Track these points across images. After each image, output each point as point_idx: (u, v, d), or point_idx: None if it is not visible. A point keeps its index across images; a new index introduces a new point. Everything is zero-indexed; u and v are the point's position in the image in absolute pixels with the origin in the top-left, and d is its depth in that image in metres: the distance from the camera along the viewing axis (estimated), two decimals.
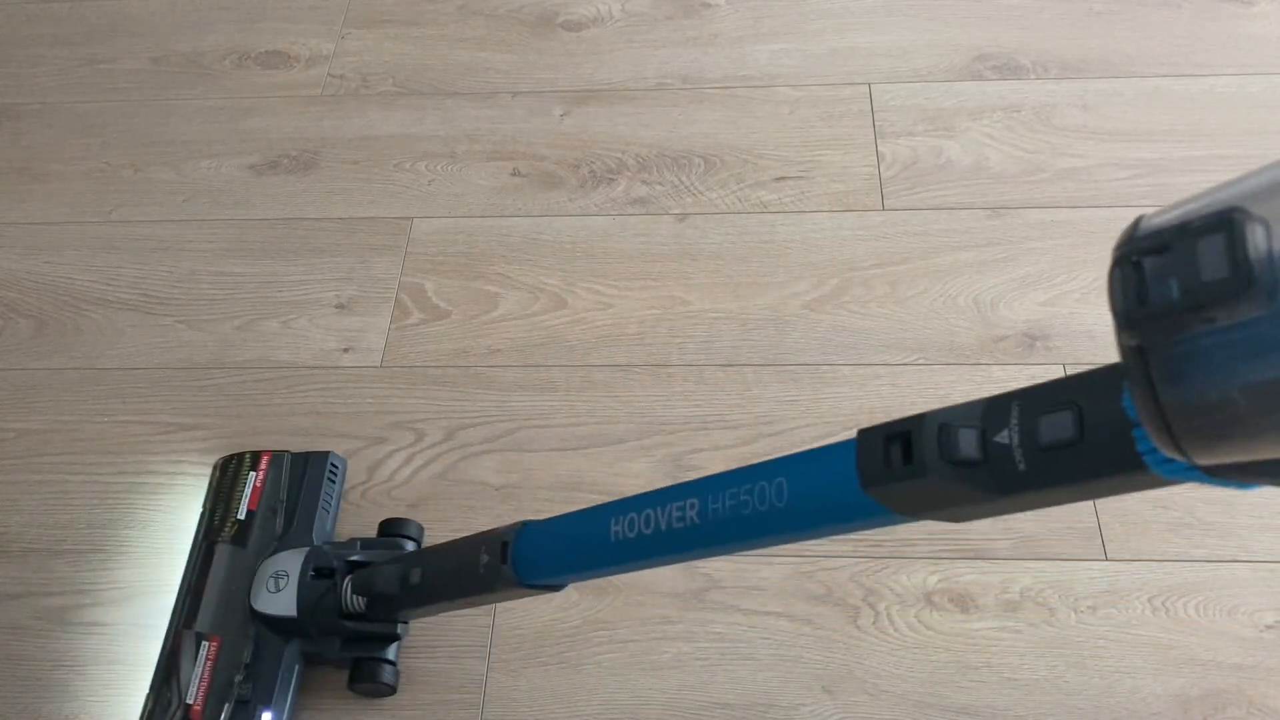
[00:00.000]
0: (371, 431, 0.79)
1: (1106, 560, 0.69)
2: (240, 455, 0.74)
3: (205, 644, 0.65)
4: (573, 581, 0.58)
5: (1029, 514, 0.71)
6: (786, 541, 0.45)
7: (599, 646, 0.68)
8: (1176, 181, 0.89)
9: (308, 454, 0.73)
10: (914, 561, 0.70)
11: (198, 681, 0.63)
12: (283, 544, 0.68)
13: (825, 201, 0.90)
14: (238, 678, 0.63)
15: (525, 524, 0.54)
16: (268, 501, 0.71)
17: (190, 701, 0.62)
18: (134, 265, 0.91)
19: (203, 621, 0.66)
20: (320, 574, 0.64)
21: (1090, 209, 0.87)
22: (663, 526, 0.47)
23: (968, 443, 0.37)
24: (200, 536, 0.71)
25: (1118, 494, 0.36)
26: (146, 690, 0.65)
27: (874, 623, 0.68)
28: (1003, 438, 0.36)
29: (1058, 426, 0.35)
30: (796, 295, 0.84)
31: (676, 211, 0.91)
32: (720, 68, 1.02)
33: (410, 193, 0.94)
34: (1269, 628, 0.66)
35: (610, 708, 0.66)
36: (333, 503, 0.72)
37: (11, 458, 0.80)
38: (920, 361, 0.80)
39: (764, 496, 0.43)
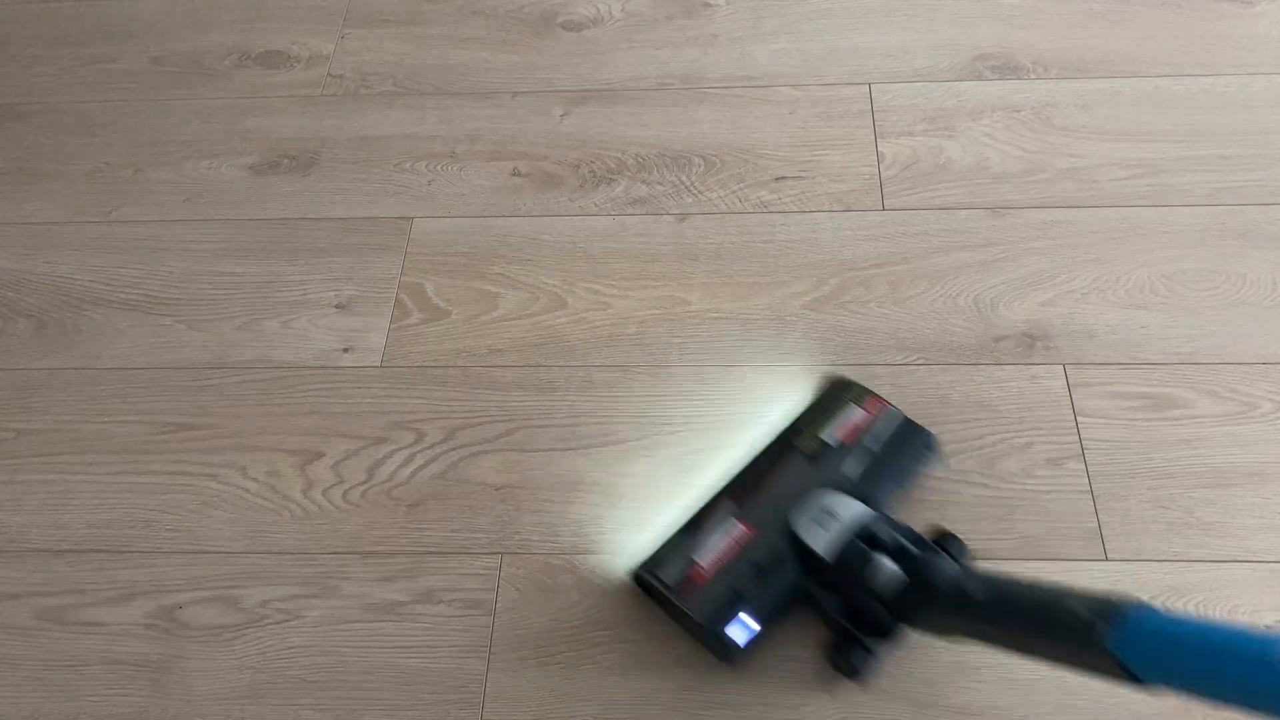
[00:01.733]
0: (371, 431, 0.79)
1: (1106, 560, 0.69)
2: (853, 384, 0.75)
3: (738, 526, 0.67)
4: (1169, 690, 0.48)
5: (1030, 514, 0.72)
6: None
7: (599, 646, 0.68)
8: (1176, 181, 0.89)
9: (913, 423, 0.72)
10: None
11: (714, 551, 0.65)
12: (847, 489, 0.68)
13: (825, 201, 0.90)
14: (745, 571, 0.64)
15: (1144, 605, 0.48)
16: (859, 442, 0.71)
17: (699, 560, 0.65)
18: (134, 265, 0.91)
19: (747, 506, 0.68)
20: (868, 539, 0.62)
21: (1090, 209, 0.87)
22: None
23: None
24: (784, 434, 0.72)
25: None
26: (669, 528, 0.68)
27: None
28: None
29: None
30: (796, 295, 0.84)
31: (676, 211, 0.91)
32: (720, 68, 1.02)
33: (410, 193, 0.94)
34: (1269, 628, 0.66)
35: (610, 708, 0.66)
36: (907, 481, 0.72)
37: (11, 458, 0.80)
38: (920, 361, 0.80)
39: None
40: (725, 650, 0.64)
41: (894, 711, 0.64)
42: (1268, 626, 0.66)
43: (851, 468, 0.69)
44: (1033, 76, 0.98)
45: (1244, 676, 0.43)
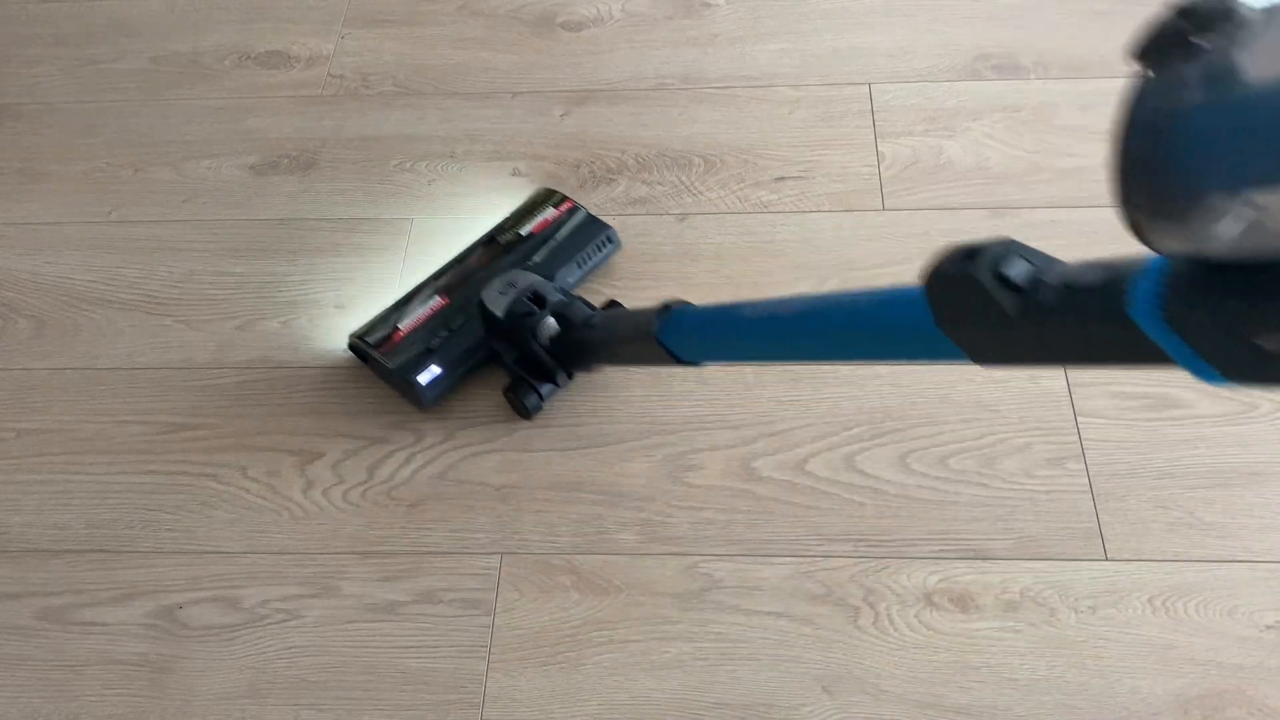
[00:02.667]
0: (371, 431, 0.79)
1: (1106, 560, 0.69)
2: (554, 191, 0.89)
3: (436, 298, 0.81)
4: (704, 360, 0.65)
5: (1029, 514, 0.72)
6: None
7: (599, 646, 0.68)
8: None
9: (596, 219, 0.86)
10: (914, 561, 0.70)
11: (412, 318, 0.80)
12: (532, 268, 0.81)
13: (825, 201, 0.90)
14: (440, 333, 0.79)
15: (685, 303, 0.65)
16: (546, 233, 0.85)
17: (400, 327, 0.79)
18: (134, 265, 0.91)
19: (446, 285, 0.82)
20: (536, 300, 0.76)
21: (1090, 209, 0.87)
22: (782, 314, 0.55)
23: (1019, 270, 0.42)
24: (491, 230, 0.87)
25: (1113, 361, 0.40)
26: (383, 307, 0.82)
27: (874, 623, 0.68)
28: (1047, 276, 0.41)
29: (1087, 274, 0.40)
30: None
31: (676, 211, 0.91)
32: (720, 68, 1.02)
33: (410, 193, 0.94)
34: (1269, 628, 0.66)
35: (610, 708, 0.66)
36: (587, 262, 0.84)
37: (11, 458, 0.80)
38: (920, 361, 0.80)
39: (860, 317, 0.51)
40: (414, 392, 0.77)
41: (894, 711, 0.65)
42: (1266, 628, 0.66)
43: (539, 253, 0.84)
44: (1033, 76, 0.98)
45: (735, 337, 0.61)
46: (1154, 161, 0.32)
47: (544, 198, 0.88)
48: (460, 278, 0.83)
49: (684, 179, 0.93)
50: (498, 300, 0.76)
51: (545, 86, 1.02)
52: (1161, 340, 0.37)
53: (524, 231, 0.85)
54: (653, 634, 0.69)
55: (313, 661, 0.69)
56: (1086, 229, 0.86)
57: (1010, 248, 0.43)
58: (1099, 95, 0.96)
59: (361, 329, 0.80)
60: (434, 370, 0.77)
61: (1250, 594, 0.67)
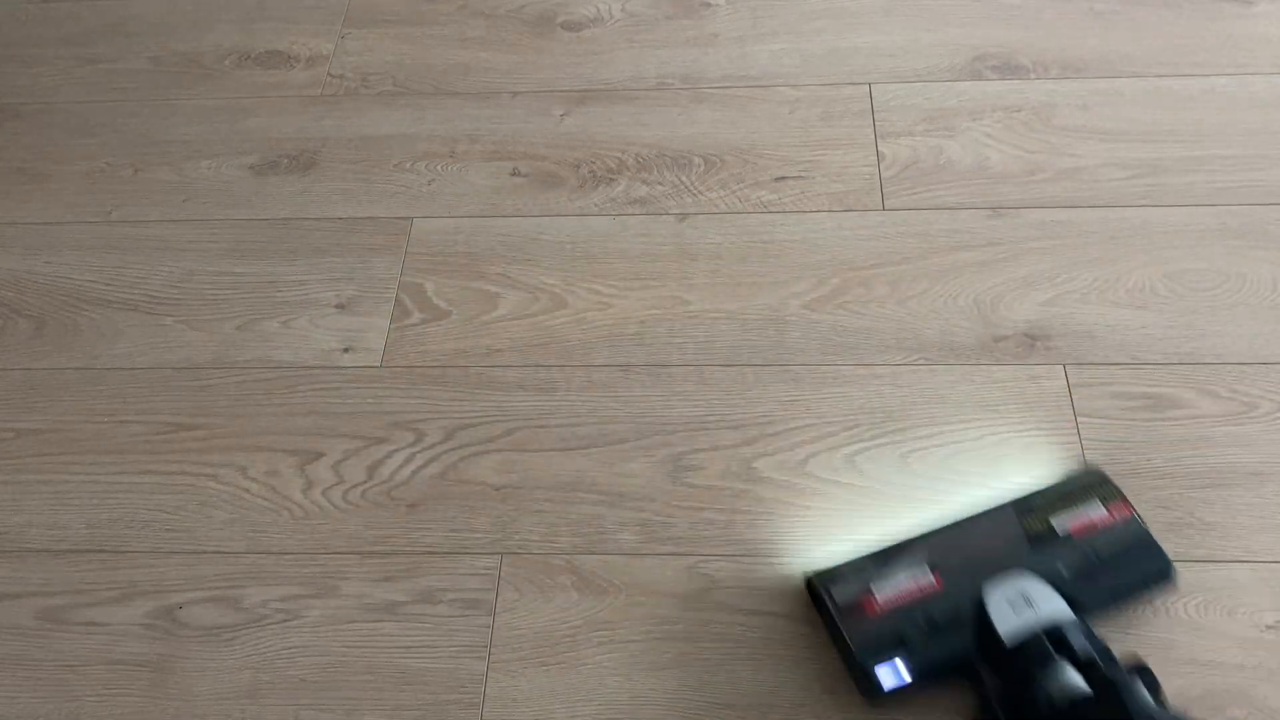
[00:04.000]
0: (371, 431, 0.79)
1: None
2: (1107, 480, 0.69)
3: (928, 574, 0.64)
4: None
5: None
6: None
7: (599, 646, 0.68)
8: (1176, 181, 0.89)
9: (1154, 542, 0.66)
10: None
11: (894, 589, 0.64)
12: (1058, 586, 0.63)
13: (825, 201, 0.90)
14: (919, 620, 0.62)
15: None
16: (1087, 541, 0.66)
17: (875, 592, 0.64)
18: (134, 265, 0.91)
19: (946, 559, 0.65)
20: (1056, 640, 0.59)
21: (1090, 209, 0.87)
22: None
23: None
24: (1014, 505, 0.68)
25: None
26: (860, 553, 0.67)
27: None
28: None
29: None
30: (796, 295, 0.84)
31: (676, 211, 0.91)
32: (720, 68, 1.02)
33: (410, 193, 0.94)
34: (1269, 628, 0.66)
35: (610, 708, 0.66)
36: (1127, 599, 0.66)
37: (11, 458, 0.80)
38: (920, 361, 0.80)
39: None
40: (869, 687, 0.62)
41: (894, 712, 0.64)
42: (1266, 628, 0.66)
43: (1069, 563, 0.64)
44: (1033, 76, 0.98)
45: None
46: None
47: (1093, 485, 0.69)
48: (960, 553, 0.65)
49: (684, 179, 0.93)
50: (1005, 616, 0.61)
51: (545, 86, 1.02)
52: None
53: (1058, 526, 0.66)
54: (653, 634, 0.69)
55: (313, 661, 0.69)
56: (1087, 229, 0.86)
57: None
58: (1099, 95, 0.96)
59: (830, 571, 0.66)
60: (900, 671, 0.61)
61: (1250, 594, 0.67)
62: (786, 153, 0.94)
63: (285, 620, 0.71)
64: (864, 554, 0.66)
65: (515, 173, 0.95)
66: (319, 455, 0.78)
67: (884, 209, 0.89)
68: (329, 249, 0.91)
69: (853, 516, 0.72)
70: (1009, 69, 0.99)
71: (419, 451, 0.78)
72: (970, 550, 0.66)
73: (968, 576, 0.64)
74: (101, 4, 1.15)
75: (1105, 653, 0.59)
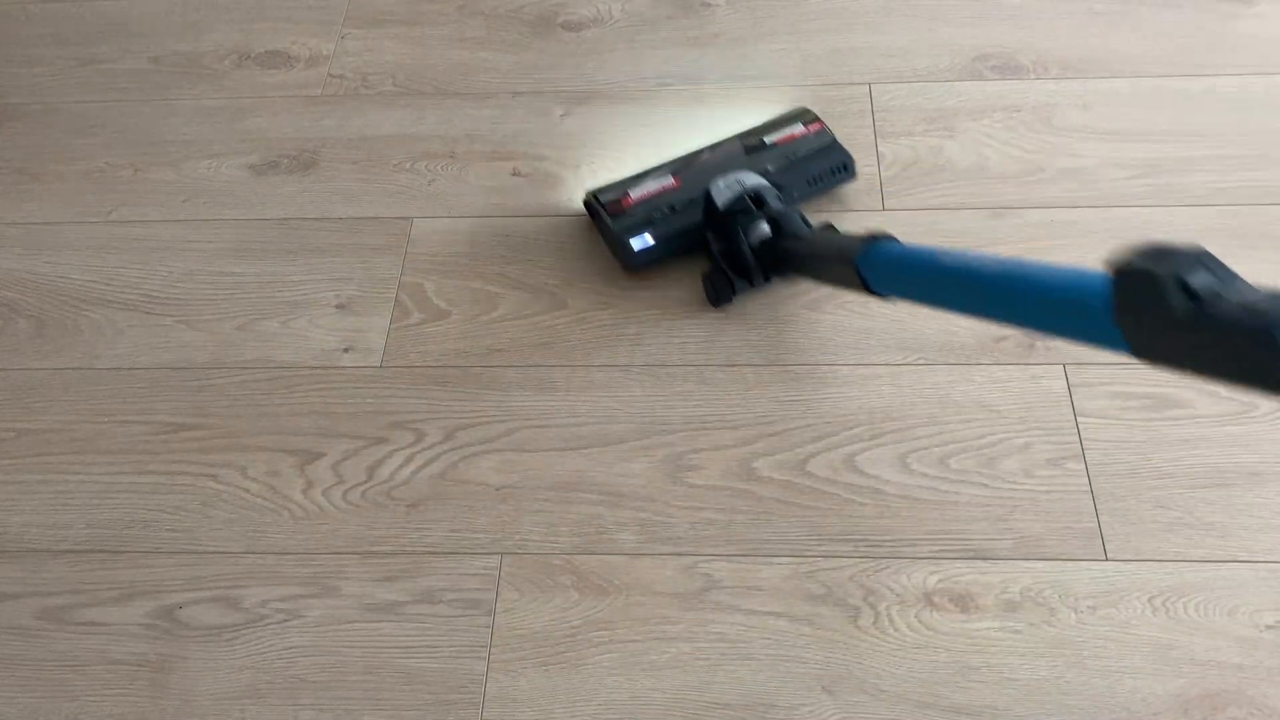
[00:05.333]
0: (371, 431, 0.79)
1: (1106, 560, 0.69)
2: (808, 110, 0.92)
3: (669, 178, 0.87)
4: (893, 295, 0.67)
5: (1029, 514, 0.72)
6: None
7: (599, 646, 0.68)
8: (1176, 181, 0.89)
9: (840, 145, 0.90)
10: (914, 561, 0.70)
11: (643, 192, 0.86)
12: (765, 175, 0.85)
13: (825, 201, 0.90)
14: (663, 209, 0.85)
15: (892, 238, 0.67)
16: (788, 147, 0.89)
17: (631, 195, 0.86)
18: (134, 265, 0.91)
19: (686, 169, 0.88)
20: (756, 200, 0.80)
21: (1090, 209, 0.87)
22: (974, 268, 0.58)
23: (1201, 279, 0.46)
24: (739, 133, 0.91)
25: (1272, 389, 0.44)
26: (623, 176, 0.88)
27: (874, 623, 0.68)
28: (1226, 292, 0.46)
29: (1267, 303, 0.45)
30: (796, 295, 0.84)
31: None
32: (720, 68, 1.02)
33: (410, 193, 0.94)
34: (1269, 628, 0.66)
35: (610, 708, 0.66)
36: (818, 184, 0.88)
37: (11, 458, 0.80)
38: (920, 361, 0.80)
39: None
40: (626, 255, 0.83)
41: (894, 711, 0.65)
42: (1266, 628, 0.66)
43: (773, 161, 0.88)
44: (1033, 76, 0.98)
45: (927, 281, 0.63)
46: None
47: (796, 115, 0.92)
48: (696, 166, 0.88)
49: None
50: (722, 193, 0.81)
51: (545, 86, 1.02)
52: None
53: (768, 140, 0.89)
54: (653, 634, 0.69)
55: (312, 661, 0.69)
56: (1087, 229, 0.86)
57: (1200, 258, 0.46)
58: (1099, 95, 0.96)
59: (598, 188, 0.88)
60: (647, 239, 0.83)
61: (1250, 594, 0.67)
62: None
63: (285, 620, 0.71)
64: (626, 177, 0.88)
65: (515, 173, 0.95)
66: (319, 455, 0.78)
67: (884, 209, 0.89)
68: (329, 249, 0.91)
69: (852, 517, 0.72)
70: (1009, 69, 0.99)
71: (419, 451, 0.78)
72: (702, 163, 0.89)
73: (699, 176, 0.86)
74: (101, 4, 1.15)
75: (794, 210, 0.81)
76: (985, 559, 0.70)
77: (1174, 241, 0.45)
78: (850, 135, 0.95)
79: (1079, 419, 0.76)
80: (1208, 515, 0.71)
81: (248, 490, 0.77)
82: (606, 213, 0.85)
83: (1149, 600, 0.67)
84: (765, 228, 0.79)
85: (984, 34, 1.02)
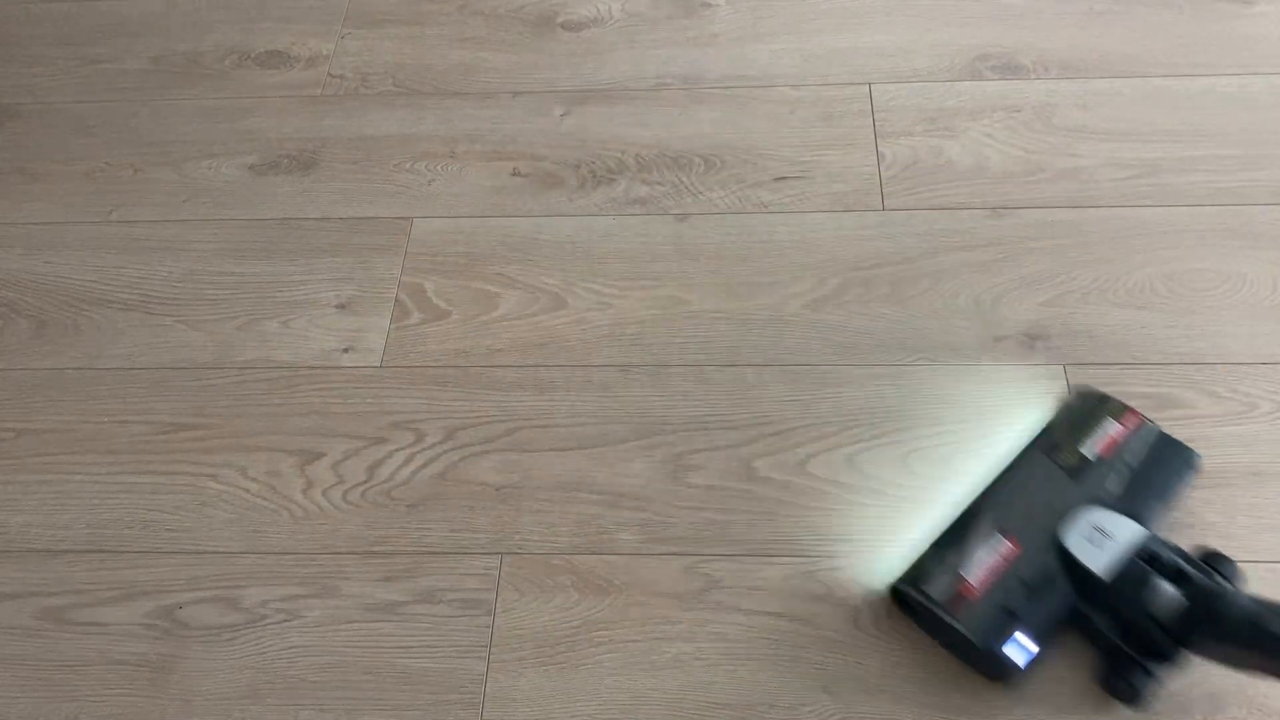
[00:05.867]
0: (371, 431, 0.79)
1: None
2: (1107, 398, 0.72)
3: (1002, 540, 0.64)
4: None
5: None
6: None
7: (599, 646, 0.68)
8: (1176, 181, 0.89)
9: (1171, 439, 0.70)
10: None
11: (982, 567, 0.63)
12: (1111, 506, 0.65)
13: (825, 201, 0.90)
14: (1016, 589, 0.62)
15: None
16: (1119, 457, 0.68)
17: (966, 577, 0.63)
18: (134, 265, 0.91)
19: (1008, 520, 0.65)
20: (1148, 559, 0.61)
21: (1090, 209, 0.87)
22: None
23: None
24: (1035, 446, 0.70)
25: None
26: (930, 543, 0.66)
27: (874, 623, 0.68)
28: None
29: None
30: (796, 295, 0.84)
31: (676, 211, 0.91)
32: (720, 68, 1.02)
33: (410, 193, 0.94)
34: None
35: (610, 708, 0.66)
36: (1171, 497, 0.69)
37: (11, 458, 0.80)
38: (920, 361, 0.80)
39: None
40: (1004, 671, 0.62)
41: (894, 711, 0.64)
42: None
43: (1114, 484, 0.66)
44: (1033, 76, 0.98)
45: None
46: None
47: (1099, 406, 0.72)
48: (1017, 508, 0.66)
49: (684, 179, 0.93)
50: (1093, 554, 0.62)
51: (545, 86, 1.02)
52: None
53: (1088, 452, 0.68)
54: (653, 634, 0.69)
55: (313, 661, 0.69)
56: (1087, 229, 0.86)
57: None
58: (1099, 95, 0.96)
59: (915, 573, 0.65)
60: (1024, 645, 0.61)
61: None
62: (786, 153, 0.94)
63: (285, 620, 0.71)
64: (930, 545, 0.66)
65: (515, 173, 0.95)
66: (319, 455, 0.78)
67: (884, 209, 0.89)
68: (329, 249, 0.91)
69: (852, 517, 0.72)
70: (1009, 69, 0.99)
71: (419, 451, 0.78)
72: (1025, 503, 0.66)
73: (1037, 528, 0.64)
74: (101, 4, 1.15)
75: (1183, 554, 0.61)
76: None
77: None
78: (850, 135, 0.95)
79: None
80: (1208, 515, 0.71)
81: (248, 490, 0.77)
82: (950, 612, 0.61)
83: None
84: (1173, 592, 0.59)
85: (984, 34, 1.02)
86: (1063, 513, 0.64)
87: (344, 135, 0.99)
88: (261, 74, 1.06)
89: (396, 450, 0.78)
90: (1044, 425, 0.71)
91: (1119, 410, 0.71)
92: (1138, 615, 0.60)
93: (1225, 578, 0.63)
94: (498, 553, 0.73)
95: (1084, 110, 0.95)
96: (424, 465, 0.77)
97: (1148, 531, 0.63)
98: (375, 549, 0.73)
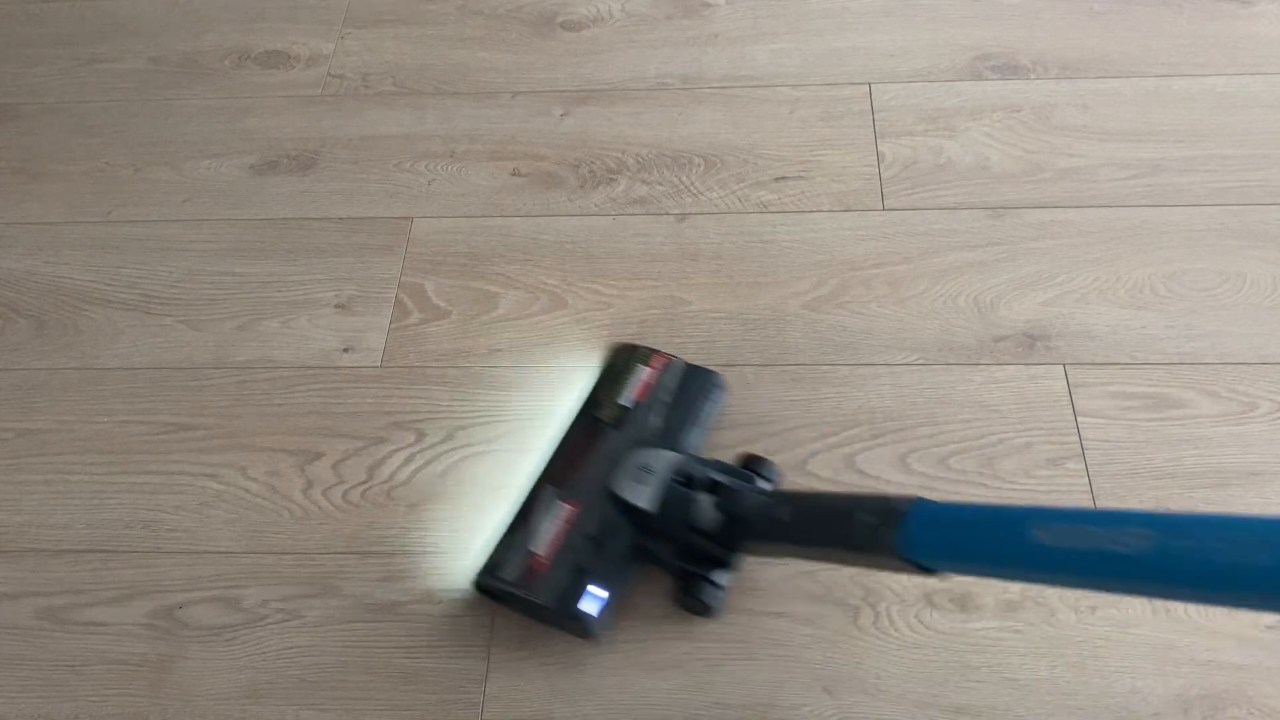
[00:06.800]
0: (371, 431, 0.79)
1: None
2: (635, 347, 0.78)
3: (563, 506, 0.68)
4: (954, 572, 0.55)
5: None
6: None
7: (599, 646, 0.68)
8: (1176, 181, 0.89)
9: (696, 367, 0.76)
10: None
11: (548, 536, 0.67)
12: (654, 442, 0.71)
13: (825, 201, 0.90)
14: (581, 546, 0.67)
15: (920, 500, 0.52)
16: (654, 398, 0.74)
17: (536, 550, 0.66)
18: (134, 265, 0.91)
19: (566, 485, 0.70)
20: (684, 482, 0.65)
21: (1090, 209, 0.87)
22: (1101, 546, 0.43)
23: None
24: (585, 406, 0.75)
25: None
26: (498, 530, 0.69)
27: (874, 623, 0.68)
28: None
29: None
30: (796, 295, 0.84)
31: (676, 211, 0.91)
32: (720, 68, 1.02)
33: (410, 193, 0.94)
34: (1269, 628, 0.66)
35: (610, 708, 0.66)
36: (707, 420, 0.75)
37: (11, 458, 0.80)
38: (920, 361, 0.80)
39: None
40: (583, 626, 0.65)
41: (894, 711, 0.64)
42: (1266, 628, 0.66)
43: (654, 422, 0.73)
44: (1033, 76, 0.98)
45: (1009, 549, 0.47)
46: None
47: (628, 356, 0.77)
48: (576, 472, 0.70)
49: (684, 179, 0.93)
50: (638, 491, 0.66)
51: (545, 86, 1.02)
52: None
53: (626, 401, 0.74)
54: (652, 634, 0.68)
55: (313, 661, 0.69)
56: (1087, 229, 0.86)
57: None
58: (1099, 95, 0.96)
59: (489, 563, 0.67)
60: (599, 595, 0.65)
61: None
62: (786, 153, 0.94)
63: (285, 620, 0.71)
64: (502, 533, 0.69)
65: (515, 173, 0.95)
66: (319, 455, 0.78)
67: (884, 209, 0.89)
68: (329, 249, 0.91)
69: None
70: (1009, 69, 0.99)
71: (419, 451, 0.78)
72: (579, 465, 0.71)
73: (592, 485, 0.69)
74: (101, 4, 1.15)
75: (720, 466, 0.67)
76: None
77: None
78: (850, 135, 0.95)
79: (1079, 419, 0.76)
80: None
81: (248, 490, 0.77)
82: (526, 590, 0.65)
83: (1149, 600, 0.67)
84: (709, 504, 0.63)
85: (984, 34, 1.02)
86: (612, 463, 0.69)
87: (344, 135, 0.99)
88: (261, 74, 1.06)
89: (396, 450, 0.78)
90: (588, 390, 0.76)
91: (646, 356, 0.77)
92: (685, 533, 0.64)
93: (766, 479, 0.70)
94: None
95: (1084, 110, 0.95)
96: (424, 465, 0.77)
97: (681, 455, 0.68)
98: (375, 549, 0.73)
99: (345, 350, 0.84)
